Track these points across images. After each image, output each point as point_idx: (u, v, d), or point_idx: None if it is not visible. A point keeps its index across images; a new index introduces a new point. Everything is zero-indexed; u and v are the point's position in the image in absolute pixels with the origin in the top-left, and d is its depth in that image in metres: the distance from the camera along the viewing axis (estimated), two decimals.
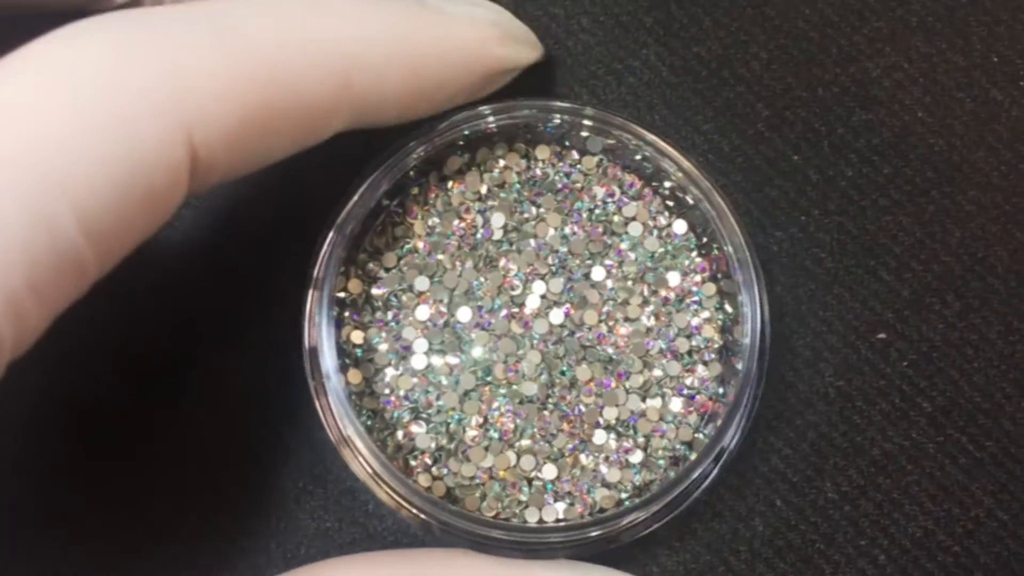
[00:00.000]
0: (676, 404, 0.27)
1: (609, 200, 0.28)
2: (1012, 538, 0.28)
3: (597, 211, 0.28)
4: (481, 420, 0.27)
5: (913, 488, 0.28)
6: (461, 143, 0.28)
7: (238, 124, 0.21)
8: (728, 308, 0.27)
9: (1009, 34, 0.30)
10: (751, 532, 0.28)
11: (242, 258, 0.29)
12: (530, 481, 0.27)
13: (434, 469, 0.27)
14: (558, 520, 0.26)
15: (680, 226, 0.28)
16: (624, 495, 0.27)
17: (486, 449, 0.26)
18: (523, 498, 0.26)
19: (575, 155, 0.28)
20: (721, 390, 0.27)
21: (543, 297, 0.27)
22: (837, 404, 0.29)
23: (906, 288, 0.29)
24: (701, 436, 0.27)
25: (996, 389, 0.29)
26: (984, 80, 0.30)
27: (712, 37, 0.30)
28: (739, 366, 0.26)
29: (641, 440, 0.27)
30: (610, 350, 0.27)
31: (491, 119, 0.27)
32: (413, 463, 0.27)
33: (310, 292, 0.26)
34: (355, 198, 0.26)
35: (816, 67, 0.30)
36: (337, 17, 0.23)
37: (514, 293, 0.27)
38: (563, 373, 0.27)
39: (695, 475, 0.25)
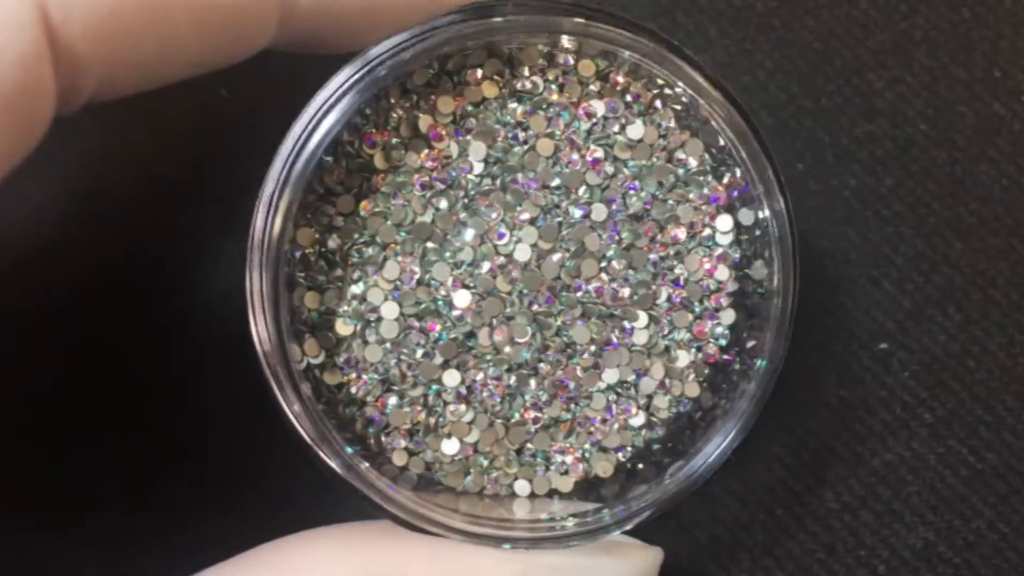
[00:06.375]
0: (683, 358, 0.24)
1: (611, 115, 0.24)
2: (1012, 551, 0.28)
3: (596, 131, 0.24)
4: (464, 392, 0.24)
5: (914, 499, 0.28)
6: (430, 50, 0.23)
7: (113, 2, 0.17)
8: (744, 242, 0.24)
9: (1011, 49, 0.30)
10: (752, 540, 0.28)
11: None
12: (519, 452, 0.24)
13: (410, 444, 0.24)
14: (551, 491, 0.24)
15: (695, 147, 0.24)
16: (625, 458, 0.24)
17: (470, 424, 0.24)
18: (511, 470, 0.24)
19: (569, 59, 0.24)
20: (733, 338, 0.24)
21: (533, 246, 0.23)
22: (839, 413, 0.28)
23: (907, 299, 0.29)
24: (710, 393, 0.24)
25: (997, 401, 0.29)
26: (986, 94, 0.30)
27: (717, 46, 0.30)
28: (762, 308, 0.23)
29: (643, 401, 0.24)
30: (611, 303, 0.24)
31: (470, 42, 0.23)
32: (385, 439, 0.24)
33: (249, 249, 0.22)
34: (296, 127, 0.22)
35: (820, 77, 0.30)
36: None
37: (499, 243, 0.23)
38: (558, 335, 0.24)
39: (715, 435, 0.23)
